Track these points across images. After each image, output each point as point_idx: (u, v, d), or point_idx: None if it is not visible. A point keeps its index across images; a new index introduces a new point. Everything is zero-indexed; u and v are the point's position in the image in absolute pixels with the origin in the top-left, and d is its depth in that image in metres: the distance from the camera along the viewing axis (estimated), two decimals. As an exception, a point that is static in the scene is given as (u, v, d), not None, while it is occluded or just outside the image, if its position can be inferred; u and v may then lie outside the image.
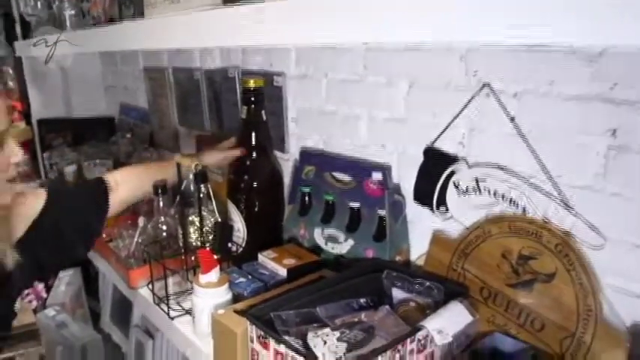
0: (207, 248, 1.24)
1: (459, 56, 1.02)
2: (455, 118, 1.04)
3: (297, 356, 0.83)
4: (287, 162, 1.45)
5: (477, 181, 1.04)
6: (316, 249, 1.27)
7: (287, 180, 1.45)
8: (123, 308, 2.23)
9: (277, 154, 1.46)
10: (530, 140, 0.95)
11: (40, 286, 2.32)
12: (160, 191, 1.26)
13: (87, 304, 2.45)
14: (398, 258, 1.17)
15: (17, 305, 2.21)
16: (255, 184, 1.36)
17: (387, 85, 1.15)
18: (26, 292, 2.30)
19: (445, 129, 1.06)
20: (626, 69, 0.80)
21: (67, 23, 1.82)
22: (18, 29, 2.47)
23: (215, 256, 1.13)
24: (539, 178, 0.95)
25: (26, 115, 2.68)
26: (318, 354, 0.82)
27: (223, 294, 1.10)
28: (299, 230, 1.31)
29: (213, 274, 1.11)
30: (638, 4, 0.44)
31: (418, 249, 1.18)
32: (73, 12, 1.82)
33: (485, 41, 0.56)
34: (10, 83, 3.34)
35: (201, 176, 1.22)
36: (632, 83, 0.80)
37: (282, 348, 0.85)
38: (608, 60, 0.82)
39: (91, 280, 2.49)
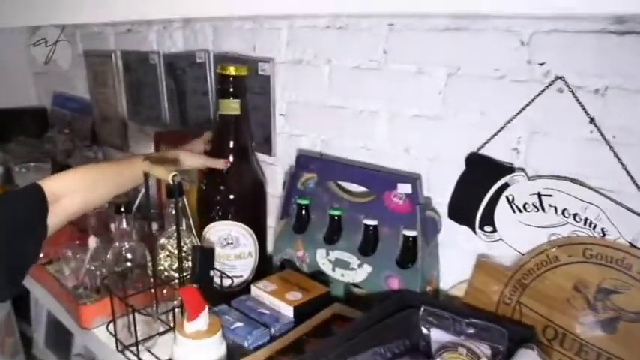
0: (185, 281, 0.99)
1: (520, 40, 0.80)
2: (512, 118, 0.83)
3: None
4: (273, 167, 1.21)
5: (539, 196, 0.83)
6: (320, 275, 1.04)
7: (272, 189, 1.20)
8: (60, 332, 1.93)
9: (261, 157, 1.21)
10: (614, 146, 0.75)
11: (-43, 310, 1.97)
12: (123, 210, 0.99)
13: (17, 329, 2.11)
14: (428, 288, 0.95)
15: None
16: (232, 197, 1.11)
17: (416, 74, 0.92)
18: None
19: (498, 131, 0.85)
20: None
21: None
22: None
23: (200, 295, 0.87)
24: (626, 193, 0.75)
25: None
26: None
27: (217, 345, 0.85)
28: (295, 251, 1.08)
29: (202, 320, 0.85)
30: None
31: (451, 277, 0.96)
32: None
33: None
34: None
35: (179, 190, 0.95)
36: None
37: None
38: None
39: (19, 298, 2.16)
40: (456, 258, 0.95)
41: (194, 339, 0.84)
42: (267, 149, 1.20)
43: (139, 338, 0.97)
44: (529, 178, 0.84)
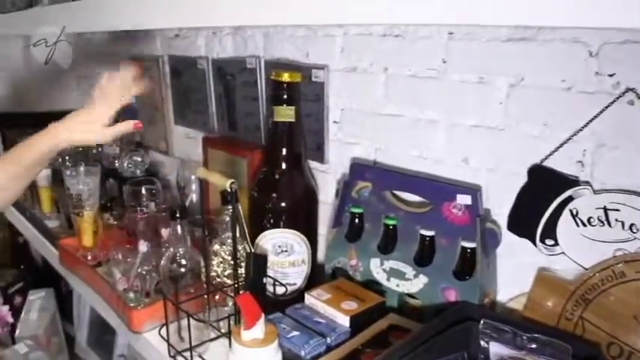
0: (239, 288, 0.99)
1: (588, 51, 0.78)
2: (579, 130, 0.81)
3: None
4: (325, 174, 1.20)
5: (605, 210, 0.81)
6: (373, 284, 1.03)
7: (324, 197, 1.20)
8: (102, 332, 1.95)
9: (313, 164, 1.21)
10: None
11: (4, 309, 2.00)
12: (178, 216, 1.00)
13: (62, 329, 2.14)
14: (485, 300, 0.93)
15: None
16: (284, 204, 1.11)
17: (477, 84, 0.91)
18: (-12, 316, 2.00)
19: (563, 143, 0.83)
20: None
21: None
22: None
23: (257, 303, 0.87)
24: (700, 210, 0.73)
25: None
26: None
27: (273, 355, 0.85)
28: (348, 260, 1.07)
29: (259, 328, 0.85)
30: None
31: (509, 289, 0.95)
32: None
33: None
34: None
35: (234, 197, 0.96)
36: None
37: None
38: None
39: (62, 297, 2.19)
40: (515, 271, 0.93)
41: (251, 347, 0.84)
42: (320, 157, 1.20)
43: (192, 343, 0.98)
44: (595, 192, 0.82)
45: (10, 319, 2.01)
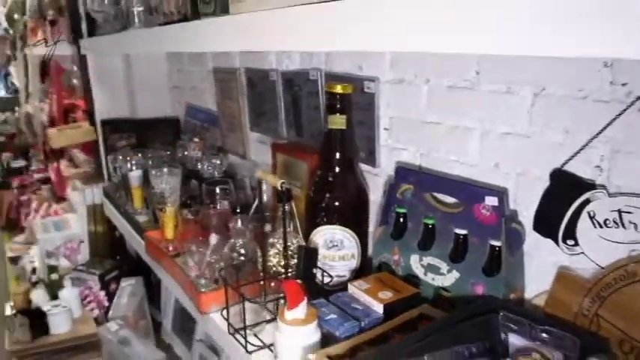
0: (290, 277, 1.11)
1: (603, 62, 0.85)
2: (595, 137, 0.87)
3: None
4: (376, 177, 1.30)
5: (619, 212, 0.86)
6: (412, 278, 1.12)
7: (374, 197, 1.30)
8: (185, 319, 2.14)
9: (365, 168, 1.32)
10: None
11: (101, 294, 2.25)
12: (239, 211, 1.13)
13: (149, 314, 2.37)
14: (512, 296, 1.00)
15: (79, 313, 2.16)
16: (337, 203, 1.22)
17: (506, 94, 0.99)
18: (88, 299, 2.23)
19: (581, 149, 0.89)
20: None
21: (136, 20, 1.71)
22: (84, 27, 2.39)
23: (302, 289, 0.99)
24: None
25: (90, 115, 2.60)
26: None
27: (312, 333, 0.96)
28: (392, 256, 1.16)
29: (301, 310, 0.96)
30: None
31: (534, 287, 1.01)
32: (141, 8, 1.71)
33: None
34: (75, 81, 3.31)
35: (287, 195, 1.08)
36: None
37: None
38: None
39: (152, 287, 2.41)
40: (540, 269, 0.99)
41: (292, 325, 0.96)
42: (372, 161, 1.30)
43: (247, 324, 1.11)
44: (610, 195, 0.87)
45: (106, 303, 2.25)
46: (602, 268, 0.90)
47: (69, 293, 2.16)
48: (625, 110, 0.83)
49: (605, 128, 0.86)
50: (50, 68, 4.08)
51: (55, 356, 1.98)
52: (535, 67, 0.93)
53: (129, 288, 2.26)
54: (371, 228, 1.29)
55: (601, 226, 0.89)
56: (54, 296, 2.19)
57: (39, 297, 2.15)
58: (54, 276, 2.25)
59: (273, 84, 1.61)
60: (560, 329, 0.85)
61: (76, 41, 2.43)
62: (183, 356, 2.17)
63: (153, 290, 2.42)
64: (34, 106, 5.44)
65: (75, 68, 3.06)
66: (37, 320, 2.01)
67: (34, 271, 2.47)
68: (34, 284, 2.33)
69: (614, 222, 0.87)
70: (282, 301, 1.10)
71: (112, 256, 2.49)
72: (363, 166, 1.32)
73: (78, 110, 3.11)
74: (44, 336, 2.03)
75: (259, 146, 1.82)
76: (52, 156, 3.89)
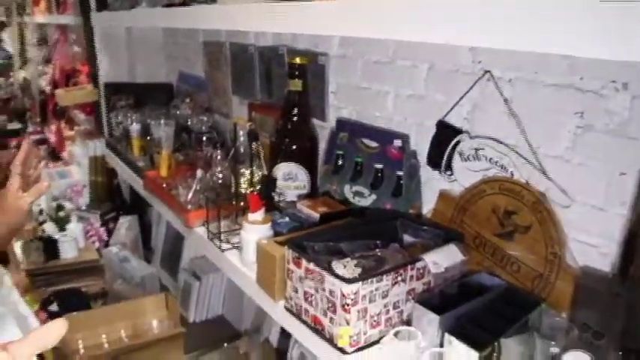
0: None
1: (468, 48, 1.25)
2: (461, 97, 1.28)
3: (322, 272, 1.09)
4: (325, 129, 1.71)
5: (476, 150, 1.27)
6: (345, 201, 1.53)
7: (323, 144, 1.70)
8: (172, 256, 2.56)
9: (318, 123, 1.72)
10: (519, 118, 1.18)
11: (101, 230, 2.64)
12: (218, 148, 1.53)
13: (142, 250, 2.78)
14: (411, 211, 1.42)
15: (83, 243, 2.56)
16: (294, 147, 1.62)
17: (411, 67, 1.39)
18: (90, 234, 2.63)
19: (454, 106, 1.30)
20: (592, 65, 1.03)
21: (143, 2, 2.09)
22: (92, 1, 2.75)
23: (261, 200, 1.39)
24: (523, 149, 1.17)
25: (93, 78, 2.97)
26: (339, 273, 1.08)
27: (267, 230, 1.37)
28: (332, 186, 1.57)
29: (259, 214, 1.37)
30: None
31: (429, 205, 1.42)
32: (147, -10, 2.09)
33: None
34: (76, 48, 3.67)
35: (253, 135, 1.49)
36: (595, 75, 1.03)
37: (311, 266, 1.11)
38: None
39: (144, 229, 2.81)
40: (432, 192, 1.40)
41: (253, 224, 1.37)
42: (323, 116, 1.70)
43: (222, 230, 1.52)
44: (471, 138, 1.28)
45: (105, 237, 2.67)
46: (466, 188, 1.31)
47: (75, 227, 2.56)
48: (479, 79, 1.24)
49: (468, 91, 1.27)
50: (50, 37, 4.42)
51: (64, 277, 2.39)
52: (429, 50, 1.34)
53: (125, 223, 2.67)
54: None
55: (466, 160, 1.30)
56: (61, 230, 2.58)
57: (49, 228, 2.54)
58: (61, 213, 2.65)
59: (251, 56, 2.01)
60: (435, 228, 1.27)
61: (86, 13, 2.79)
62: (169, 285, 2.58)
63: (145, 233, 2.82)
64: (32, 72, 5.77)
65: (75, 37, 3.43)
66: (49, 245, 2.41)
67: (40, 212, 2.86)
68: (41, 223, 2.72)
69: (473, 157, 1.28)
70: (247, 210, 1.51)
71: (110, 200, 2.89)
72: (316, 121, 1.72)
73: (80, 74, 3.48)
74: (55, 259, 2.44)
75: (239, 107, 2.22)
76: (53, 117, 4.26)
